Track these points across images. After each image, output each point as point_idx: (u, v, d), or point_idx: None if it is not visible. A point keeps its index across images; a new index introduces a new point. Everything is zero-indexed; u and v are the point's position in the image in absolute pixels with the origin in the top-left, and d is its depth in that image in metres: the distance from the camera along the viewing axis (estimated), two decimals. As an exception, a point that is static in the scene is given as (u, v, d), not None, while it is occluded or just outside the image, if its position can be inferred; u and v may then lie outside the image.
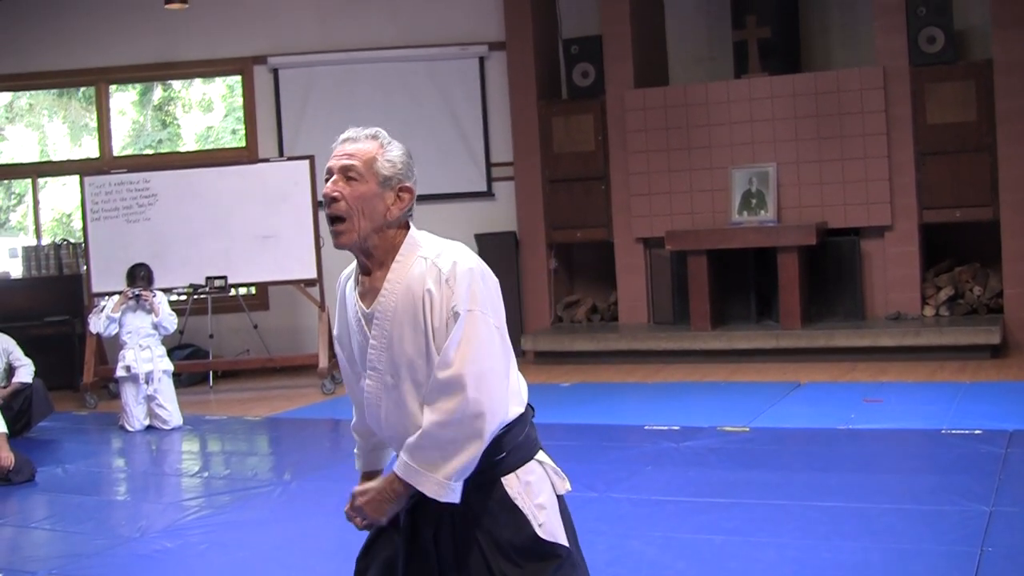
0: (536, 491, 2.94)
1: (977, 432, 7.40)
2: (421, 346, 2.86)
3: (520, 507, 2.90)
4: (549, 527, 2.92)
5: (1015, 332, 10.73)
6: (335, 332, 3.16)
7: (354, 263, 3.07)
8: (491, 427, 2.82)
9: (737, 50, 11.95)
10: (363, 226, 2.89)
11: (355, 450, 3.26)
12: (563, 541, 2.93)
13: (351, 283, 3.06)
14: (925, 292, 11.22)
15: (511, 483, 2.92)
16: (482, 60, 12.75)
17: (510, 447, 2.93)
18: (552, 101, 12.40)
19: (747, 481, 6.60)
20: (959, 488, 6.08)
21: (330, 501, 6.89)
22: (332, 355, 11.36)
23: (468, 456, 2.81)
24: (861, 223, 11.31)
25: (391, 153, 2.94)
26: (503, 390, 2.86)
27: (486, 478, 2.90)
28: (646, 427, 8.15)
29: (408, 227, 2.99)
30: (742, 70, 11.86)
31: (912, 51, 11.05)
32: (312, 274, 11.34)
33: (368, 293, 2.96)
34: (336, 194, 2.89)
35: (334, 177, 2.92)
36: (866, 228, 11.33)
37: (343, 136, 2.98)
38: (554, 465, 3.05)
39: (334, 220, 2.91)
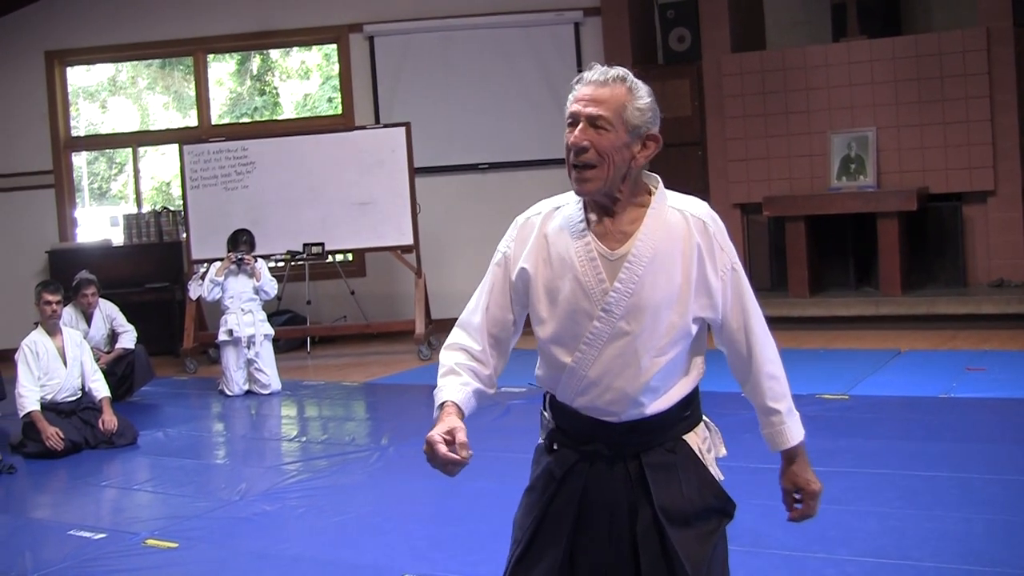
0: (709, 447, 2.95)
1: (1084, 401, 7.26)
2: (671, 296, 2.80)
3: (704, 463, 2.89)
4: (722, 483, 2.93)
5: (1123, 299, 10.48)
6: (529, 267, 2.91)
7: (552, 202, 2.96)
8: None
9: (835, 13, 11.75)
10: (611, 175, 2.77)
11: (459, 381, 2.98)
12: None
13: (561, 222, 2.90)
14: (1030, 258, 11.00)
15: (692, 440, 2.90)
16: (577, 26, 12.68)
17: (694, 404, 2.94)
18: (648, 66, 12.29)
19: (846, 449, 6.52)
20: (1065, 458, 5.98)
21: (427, 466, 6.91)
22: (429, 321, 11.41)
23: None
24: (963, 188, 11.10)
25: (640, 100, 2.80)
26: None
27: (670, 436, 2.88)
28: (743, 394, 8.06)
29: (651, 176, 2.91)
30: (840, 33, 11.67)
31: (1016, 11, 10.78)
32: (409, 240, 11.38)
33: (611, 234, 2.83)
34: (585, 143, 2.76)
35: (581, 124, 2.78)
36: (968, 193, 11.12)
37: (588, 75, 2.83)
38: (716, 427, 3.03)
39: (580, 167, 2.79)
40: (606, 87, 2.78)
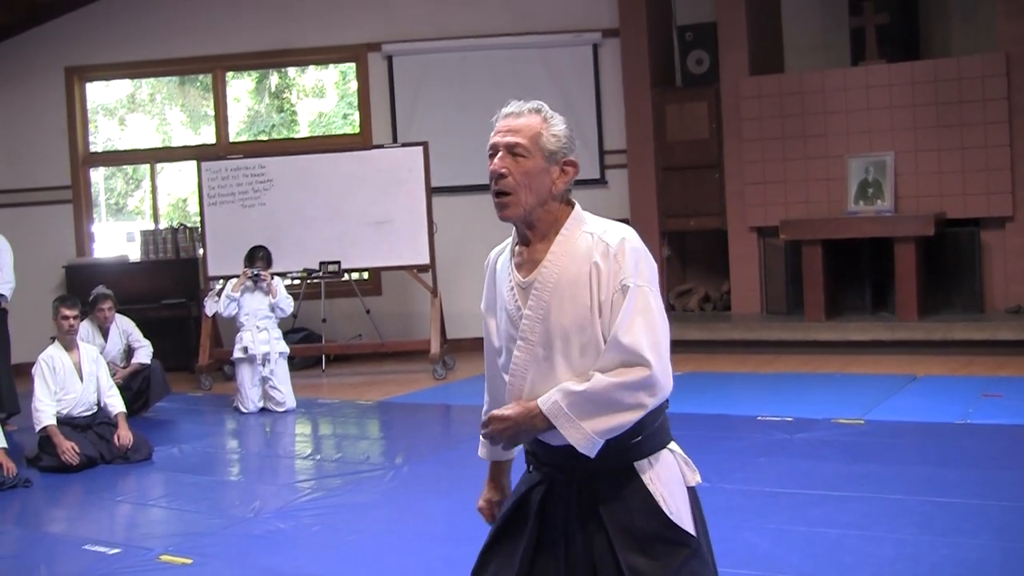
0: (667, 478, 2.92)
1: (1101, 429, 7.22)
2: (581, 319, 2.85)
3: (652, 492, 2.88)
4: (679, 514, 2.89)
5: None
6: (482, 307, 3.13)
7: (507, 240, 3.08)
8: (656, 402, 2.83)
9: (854, 37, 11.75)
10: (529, 200, 2.90)
11: (483, 437, 3.16)
12: (691, 530, 2.90)
13: (504, 256, 3.05)
14: (1047, 285, 10.96)
15: (643, 468, 2.90)
16: (596, 47, 12.69)
17: (646, 432, 2.91)
18: (666, 88, 12.31)
19: (862, 474, 6.50)
20: (1082, 486, 5.94)
21: (441, 485, 6.93)
22: (444, 340, 11.41)
23: (623, 421, 2.80)
24: (981, 213, 11.07)
25: (555, 127, 2.96)
26: (670, 367, 2.86)
27: (619, 463, 2.89)
28: (759, 418, 8.07)
29: (571, 202, 3.00)
30: (859, 57, 11.66)
31: (1036, 36, 10.78)
32: (425, 260, 11.39)
33: (526, 264, 2.95)
34: (503, 170, 2.90)
35: (500, 153, 2.93)
36: (986, 218, 11.08)
37: (505, 110, 3.01)
38: (685, 456, 3.02)
39: (500, 194, 2.92)
40: (522, 117, 2.98)
